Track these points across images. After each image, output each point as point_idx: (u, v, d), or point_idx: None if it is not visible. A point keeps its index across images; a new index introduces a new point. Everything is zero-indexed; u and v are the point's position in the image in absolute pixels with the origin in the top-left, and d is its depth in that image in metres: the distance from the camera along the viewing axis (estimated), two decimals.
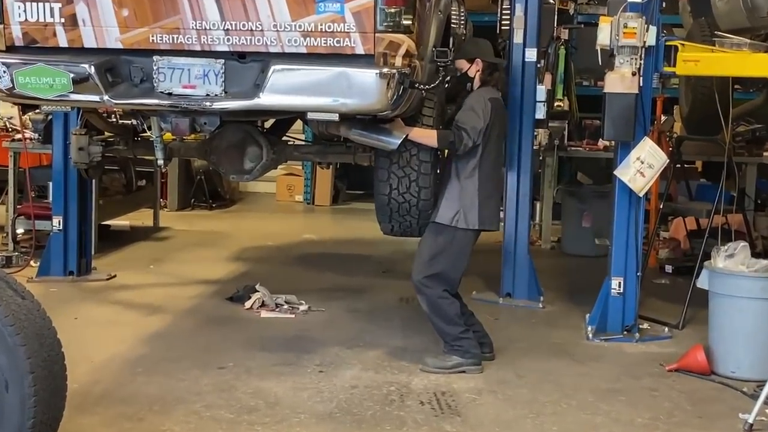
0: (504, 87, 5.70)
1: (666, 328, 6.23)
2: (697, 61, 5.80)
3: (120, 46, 4.86)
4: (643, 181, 5.87)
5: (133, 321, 6.26)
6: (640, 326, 6.12)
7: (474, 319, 5.54)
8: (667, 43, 5.84)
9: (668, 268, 8.07)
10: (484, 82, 5.33)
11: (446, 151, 5.90)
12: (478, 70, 5.32)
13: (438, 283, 5.25)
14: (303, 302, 6.63)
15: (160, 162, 5.81)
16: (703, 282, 5.52)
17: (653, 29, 5.68)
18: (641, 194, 5.93)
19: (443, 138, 5.22)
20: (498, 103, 5.35)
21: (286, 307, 6.57)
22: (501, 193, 5.50)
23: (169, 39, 4.80)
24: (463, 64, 5.34)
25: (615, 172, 5.97)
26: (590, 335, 6.02)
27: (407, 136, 5.20)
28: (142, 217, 9.68)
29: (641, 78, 5.70)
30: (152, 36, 4.81)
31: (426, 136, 5.27)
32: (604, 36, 5.72)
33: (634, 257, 6.01)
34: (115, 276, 7.41)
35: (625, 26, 5.62)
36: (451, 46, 5.75)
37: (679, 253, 8.35)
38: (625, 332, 6.03)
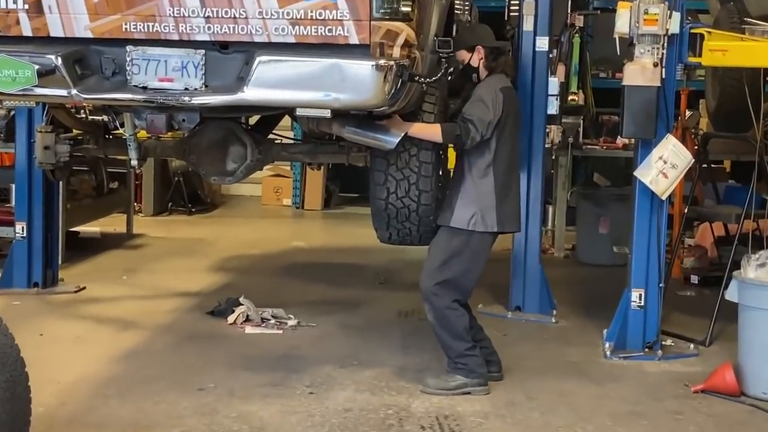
0: (513, 71, 5.68)
1: (691, 345, 6.24)
2: (725, 50, 5.81)
3: (90, 35, 4.85)
4: (666, 182, 5.88)
5: (105, 338, 6.25)
6: (663, 343, 6.13)
7: (483, 334, 5.55)
8: (692, 31, 5.85)
9: (694, 279, 8.09)
10: (490, 70, 5.34)
11: (450, 147, 5.92)
12: (481, 58, 5.33)
13: (448, 292, 5.25)
14: (291, 317, 6.64)
15: (134, 162, 5.81)
16: (732, 294, 5.53)
17: (677, 15, 5.70)
18: (664, 197, 5.95)
19: (448, 132, 5.22)
20: (510, 93, 5.36)
21: (272, 322, 6.57)
22: (520, 189, 5.51)
23: (143, 27, 4.80)
24: (463, 54, 5.35)
25: (635, 173, 5.99)
26: (608, 353, 6.03)
27: (407, 133, 5.21)
28: (114, 223, 9.68)
29: (664, 69, 5.71)
30: (125, 24, 4.80)
31: (429, 131, 5.28)
32: (622, 23, 5.73)
33: (656, 267, 6.02)
34: (84, 288, 7.41)
35: (646, 12, 5.64)
36: (454, 34, 5.76)
37: (706, 263, 8.36)
38: (647, 349, 6.04)
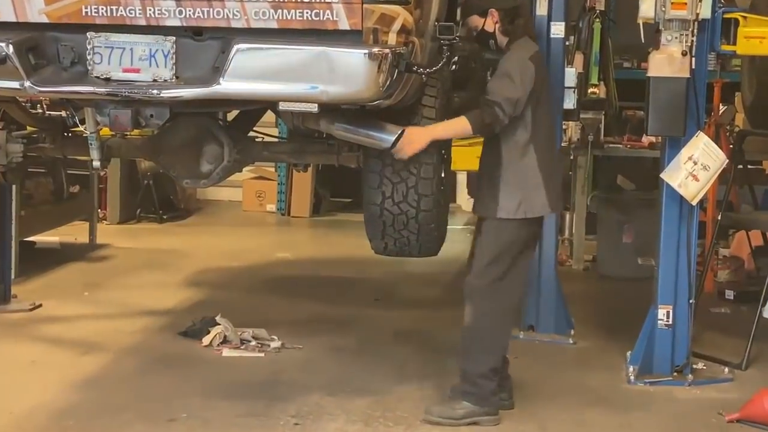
0: (533, 31, 5.61)
1: (726, 369, 6.24)
2: (763, 37, 5.82)
3: (45, 19, 4.85)
4: (697, 186, 5.88)
5: (63, 362, 6.24)
6: (694, 366, 6.13)
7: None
8: (726, 16, 5.86)
9: (729, 294, 8.09)
10: (507, 35, 5.31)
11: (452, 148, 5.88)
12: (496, 22, 5.32)
13: (499, 295, 5.25)
14: (275, 338, 6.63)
15: (97, 164, 5.80)
16: None
17: None
18: (694, 202, 5.95)
19: (477, 123, 5.13)
20: (541, 59, 5.35)
21: (253, 343, 6.57)
22: (560, 163, 5.49)
23: (106, 11, 4.80)
24: (475, 20, 5.36)
25: (662, 176, 5.99)
26: (632, 378, 6.03)
27: (424, 136, 5.14)
28: (75, 232, 9.68)
29: (693, 59, 5.71)
30: (85, 7, 4.80)
31: (455, 128, 5.22)
32: (647, 7, 5.74)
33: (685, 281, 6.02)
34: (40, 305, 7.40)
35: None
36: (458, 18, 5.77)
37: (742, 276, 8.37)
38: (676, 374, 6.04)
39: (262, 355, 6.44)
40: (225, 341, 6.57)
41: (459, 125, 5.21)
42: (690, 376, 6.04)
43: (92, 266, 9.00)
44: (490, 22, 5.32)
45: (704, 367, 6.23)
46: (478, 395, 5.27)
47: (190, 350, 6.50)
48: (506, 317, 5.35)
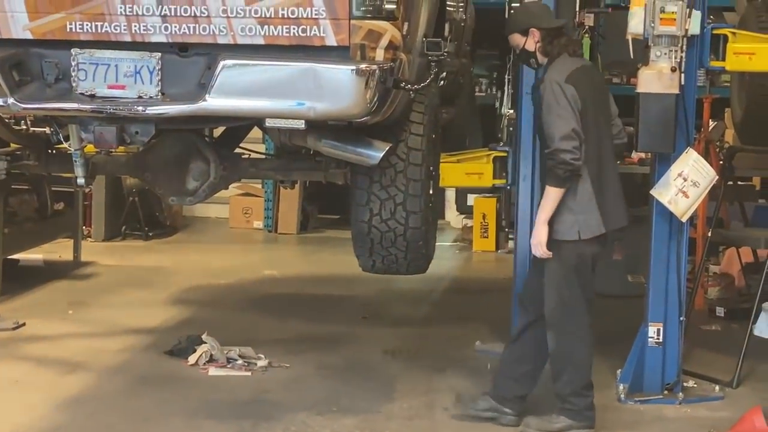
0: (572, 49, 5.49)
1: (717, 387, 6.23)
2: (753, 53, 5.85)
3: (29, 36, 4.86)
4: (687, 202, 5.89)
5: (46, 381, 6.22)
6: (685, 384, 6.13)
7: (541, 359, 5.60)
8: (715, 32, 5.89)
9: (719, 311, 8.09)
10: (547, 54, 5.32)
11: (443, 162, 5.88)
12: (537, 42, 5.33)
13: (574, 314, 5.30)
14: (262, 356, 6.62)
15: (81, 181, 5.79)
16: (761, 329, 5.54)
17: (697, 14, 5.73)
18: (684, 219, 5.96)
19: (559, 180, 5.14)
20: (579, 73, 5.27)
21: (240, 362, 6.55)
22: (617, 174, 5.47)
23: (91, 27, 4.81)
24: (516, 39, 5.38)
25: (651, 192, 6.00)
26: (622, 396, 6.03)
27: (542, 230, 5.18)
28: (59, 250, 9.65)
29: (683, 75, 5.73)
30: (70, 24, 4.81)
31: (551, 201, 5.18)
32: (636, 23, 5.76)
33: (676, 298, 6.02)
34: (24, 324, 7.37)
35: (662, 10, 5.66)
36: (446, 34, 5.78)
37: (733, 293, 8.38)
38: (666, 392, 6.04)
39: (249, 373, 6.42)
40: (211, 360, 6.55)
41: (552, 196, 5.19)
42: (680, 394, 6.03)
43: (77, 284, 8.97)
44: (531, 42, 5.34)
45: (695, 385, 6.23)
46: (574, 411, 5.34)
47: (176, 369, 6.48)
48: (586, 335, 5.38)
